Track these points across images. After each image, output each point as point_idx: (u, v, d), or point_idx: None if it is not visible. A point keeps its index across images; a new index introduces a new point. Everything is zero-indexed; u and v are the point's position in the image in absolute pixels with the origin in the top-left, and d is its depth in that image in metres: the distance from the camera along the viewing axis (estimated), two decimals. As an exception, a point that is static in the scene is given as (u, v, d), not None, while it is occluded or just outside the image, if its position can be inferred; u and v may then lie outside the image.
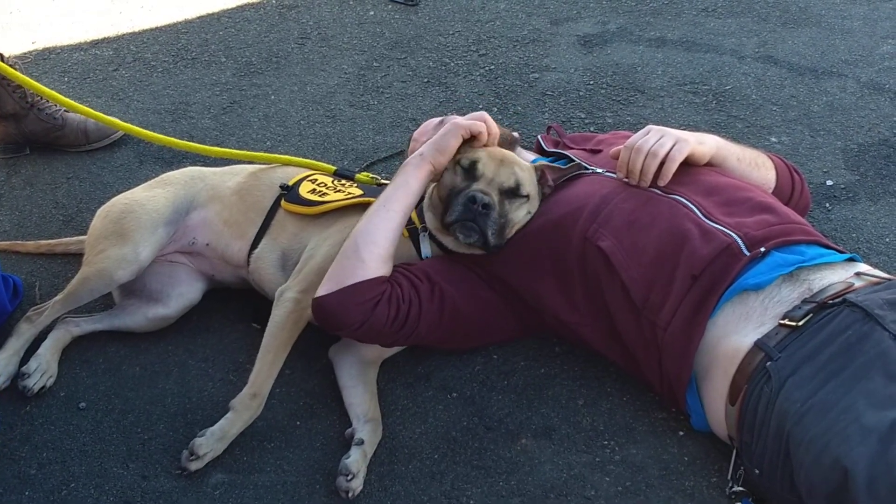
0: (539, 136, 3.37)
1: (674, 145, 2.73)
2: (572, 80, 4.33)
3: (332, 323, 2.71)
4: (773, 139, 3.78)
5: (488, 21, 4.96)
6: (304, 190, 3.13)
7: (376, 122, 4.25)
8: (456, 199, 2.76)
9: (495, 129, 2.92)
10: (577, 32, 4.78)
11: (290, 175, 3.24)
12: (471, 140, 2.87)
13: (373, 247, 2.70)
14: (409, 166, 2.82)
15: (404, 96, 4.43)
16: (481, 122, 2.87)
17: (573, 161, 3.03)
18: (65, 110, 4.14)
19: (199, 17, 5.39)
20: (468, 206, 2.71)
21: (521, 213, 2.84)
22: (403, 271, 2.80)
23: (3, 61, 3.49)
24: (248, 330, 3.18)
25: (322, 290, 2.68)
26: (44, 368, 2.98)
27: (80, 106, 3.33)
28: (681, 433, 2.66)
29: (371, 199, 2.96)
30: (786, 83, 4.16)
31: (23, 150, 4.16)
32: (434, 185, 2.94)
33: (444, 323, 2.81)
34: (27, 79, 3.31)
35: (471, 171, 2.80)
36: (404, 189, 2.79)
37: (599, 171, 2.92)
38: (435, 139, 2.85)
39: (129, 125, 3.49)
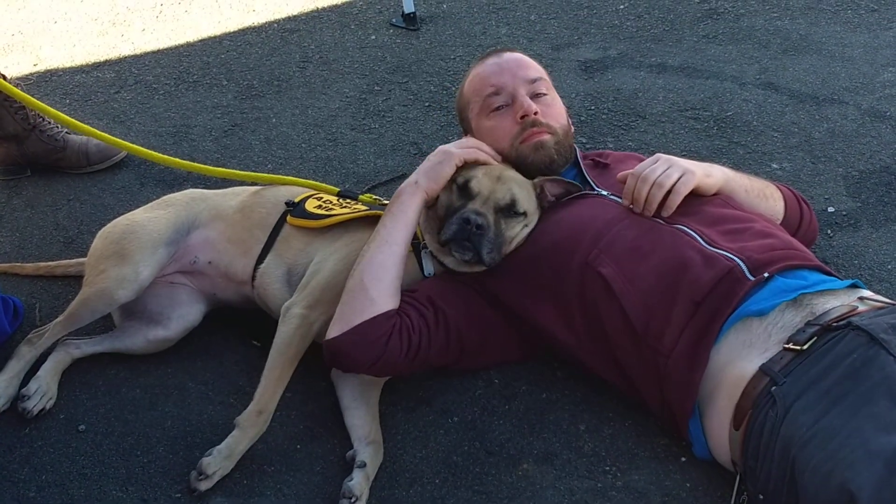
0: None
1: (680, 177, 2.73)
2: (573, 105, 4.34)
3: (346, 363, 2.73)
4: (775, 165, 3.78)
5: (489, 46, 4.96)
6: (310, 206, 3.14)
7: (378, 146, 4.26)
8: (451, 218, 2.78)
9: (490, 152, 2.94)
10: (577, 58, 4.79)
11: (295, 193, 3.26)
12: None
13: (378, 283, 2.71)
14: (404, 195, 2.83)
15: (406, 120, 4.44)
16: (474, 148, 2.90)
17: (582, 171, 3.06)
18: (66, 132, 4.15)
19: (200, 41, 5.40)
20: (462, 226, 2.73)
21: (517, 230, 2.86)
22: (409, 300, 2.79)
23: (6, 82, 3.48)
24: (248, 353, 3.17)
25: (333, 332, 2.68)
26: (44, 390, 2.97)
27: (85, 126, 3.32)
28: (683, 459, 2.65)
29: (378, 212, 2.97)
30: (787, 110, 4.16)
31: (24, 171, 4.17)
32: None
33: (451, 347, 2.81)
34: (32, 99, 3.31)
35: (466, 190, 2.82)
36: (402, 220, 2.80)
37: (604, 193, 2.91)
38: (428, 167, 2.87)
39: (134, 146, 3.48)
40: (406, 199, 2.82)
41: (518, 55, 3.17)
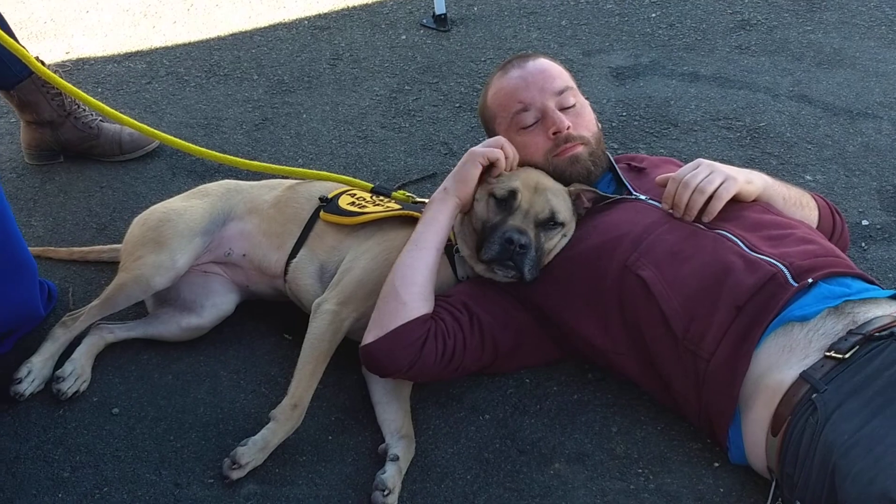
0: None
1: (722, 183, 2.72)
2: (605, 111, 4.35)
3: (382, 368, 2.73)
4: (808, 177, 3.79)
5: (520, 49, 4.98)
6: (344, 202, 3.15)
7: (408, 145, 4.27)
8: (492, 236, 2.76)
9: (513, 151, 2.90)
10: (609, 64, 4.80)
11: (329, 189, 3.27)
12: (489, 168, 2.86)
13: (412, 287, 2.72)
14: (436, 202, 2.84)
15: (436, 120, 4.45)
16: (498, 147, 2.86)
17: (617, 174, 3.05)
18: (101, 120, 4.16)
19: (231, 35, 5.42)
20: (505, 246, 2.71)
21: (556, 241, 2.85)
22: (444, 304, 2.80)
23: (45, 68, 3.50)
24: (279, 343, 3.19)
25: (368, 338, 2.69)
26: (78, 373, 2.99)
27: (123, 116, 3.34)
28: (716, 464, 2.65)
29: (411, 212, 2.99)
30: (820, 122, 4.17)
31: (57, 157, 4.18)
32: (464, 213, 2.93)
33: (485, 351, 2.82)
34: (70, 86, 3.32)
35: (505, 204, 2.80)
36: (433, 226, 2.80)
37: (643, 197, 2.91)
38: (455, 171, 2.87)
39: (169, 136, 3.50)
40: (437, 206, 2.83)
41: (541, 64, 3.09)
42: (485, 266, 2.83)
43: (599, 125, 3.15)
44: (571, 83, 3.07)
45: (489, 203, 2.83)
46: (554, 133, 2.96)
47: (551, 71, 3.06)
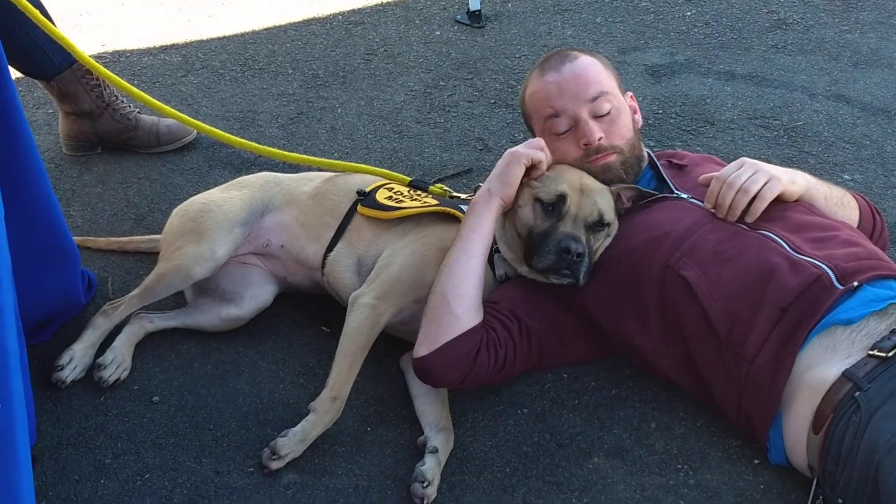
0: None
1: (766, 183, 2.70)
2: (641, 108, 4.29)
3: (436, 381, 2.75)
4: (846, 177, 3.78)
5: (555, 46, 4.97)
6: (381, 196, 3.15)
7: (443, 140, 4.28)
8: (545, 244, 2.72)
9: (549, 153, 2.87)
10: (644, 62, 4.80)
11: (367, 182, 3.27)
12: (531, 169, 2.84)
13: (462, 299, 2.71)
14: (479, 204, 2.81)
15: (471, 116, 4.45)
16: (540, 149, 2.84)
17: (659, 172, 3.04)
18: (138, 111, 4.19)
19: (265, 29, 5.44)
20: (562, 255, 2.68)
21: (602, 241, 2.84)
22: (493, 312, 2.79)
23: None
24: (317, 334, 3.20)
25: (422, 351, 2.69)
26: (119, 361, 3.01)
27: (166, 107, 3.35)
28: (756, 461, 2.65)
29: (448, 209, 2.99)
30: (858, 122, 4.16)
31: (95, 148, 4.21)
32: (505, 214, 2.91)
33: (532, 356, 2.83)
34: (110, 73, 3.33)
35: (553, 208, 2.78)
36: (479, 231, 2.78)
37: (684, 196, 2.90)
38: (498, 172, 2.83)
39: (210, 127, 3.51)
40: (481, 209, 2.80)
41: (578, 67, 3.01)
42: (536, 272, 2.81)
43: (638, 123, 3.14)
44: (608, 86, 3.00)
45: (535, 208, 2.80)
46: (585, 144, 2.94)
47: (587, 76, 2.99)
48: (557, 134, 2.98)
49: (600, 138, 2.93)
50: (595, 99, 2.95)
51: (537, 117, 3.07)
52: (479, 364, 2.70)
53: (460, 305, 2.70)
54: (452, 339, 2.67)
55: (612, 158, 2.97)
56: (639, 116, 3.16)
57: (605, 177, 2.93)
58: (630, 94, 3.17)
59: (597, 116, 2.96)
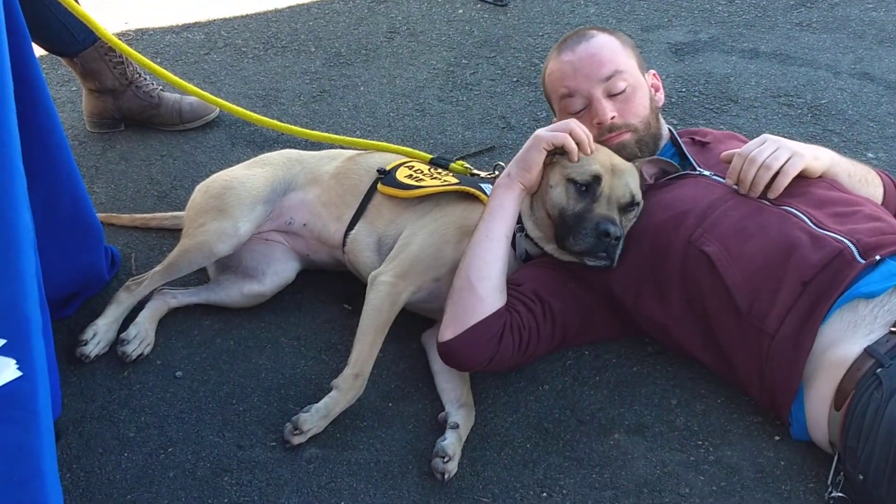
0: None
1: (788, 159, 2.70)
2: (664, 86, 4.30)
3: (462, 364, 2.75)
4: (870, 155, 3.76)
5: (577, 24, 4.96)
6: (401, 175, 3.15)
7: (465, 118, 4.27)
8: (581, 226, 2.71)
9: (585, 132, 2.80)
10: (668, 40, 4.77)
11: (388, 161, 3.27)
12: (556, 151, 2.81)
13: (486, 282, 2.71)
14: (500, 188, 2.81)
15: (493, 94, 4.44)
16: (566, 132, 2.78)
17: (681, 149, 3.03)
18: (161, 89, 4.20)
19: (288, 7, 5.43)
20: (600, 238, 2.68)
21: (632, 220, 2.84)
22: (517, 294, 2.79)
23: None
24: (339, 311, 3.21)
25: (447, 335, 2.70)
26: (142, 336, 3.03)
27: (188, 85, 3.36)
28: (777, 438, 2.65)
29: (467, 188, 2.99)
30: (883, 100, 4.13)
31: (118, 125, 4.22)
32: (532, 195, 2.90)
33: (555, 336, 2.83)
34: (133, 51, 3.35)
35: (587, 189, 2.76)
36: (502, 214, 2.78)
37: (707, 173, 2.89)
38: (519, 156, 2.83)
39: (231, 105, 3.53)
40: (502, 193, 2.80)
41: (593, 46, 3.03)
42: (571, 253, 2.80)
43: (659, 101, 3.14)
44: (623, 65, 3.01)
45: (567, 188, 2.79)
46: (598, 123, 2.95)
47: (601, 55, 3.01)
48: (572, 113, 3.01)
49: (613, 117, 2.96)
50: (609, 78, 2.97)
51: (554, 97, 3.11)
52: (504, 347, 2.70)
53: (484, 288, 2.70)
54: (477, 323, 2.67)
55: (627, 137, 2.99)
56: (661, 94, 3.17)
57: (619, 155, 2.92)
58: (653, 71, 3.17)
59: (612, 95, 2.98)
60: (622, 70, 2.99)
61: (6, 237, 1.86)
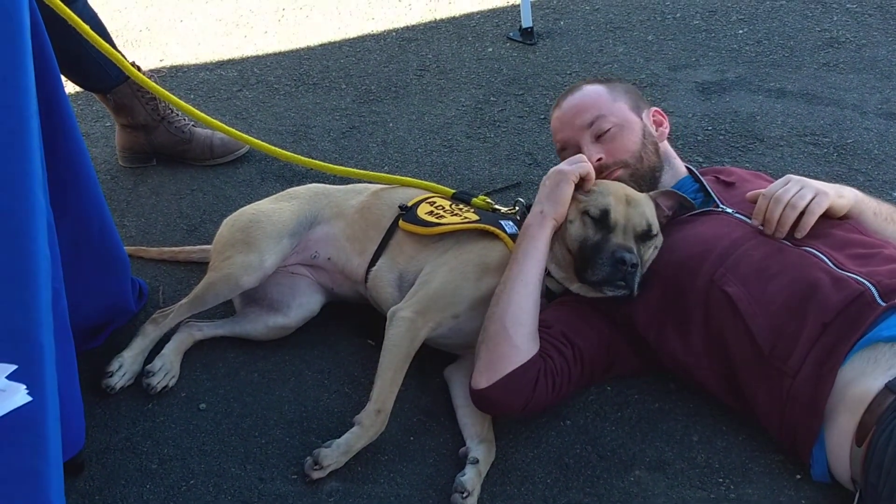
0: None
1: (813, 198, 2.71)
2: (690, 124, 4.34)
3: (496, 410, 2.78)
4: (896, 194, 3.77)
5: (606, 63, 5.00)
6: (422, 211, 3.17)
7: (493, 154, 4.30)
8: (598, 256, 2.74)
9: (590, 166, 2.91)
10: (695, 79, 4.79)
11: (411, 196, 3.30)
12: (580, 183, 2.87)
13: (521, 328, 2.73)
14: (533, 227, 2.83)
15: (521, 131, 4.47)
16: (586, 163, 2.87)
17: (705, 187, 3.05)
18: (193, 125, 4.26)
19: (320, 45, 5.50)
20: (616, 266, 2.70)
21: (651, 252, 2.85)
22: (548, 339, 2.80)
23: (141, 73, 3.58)
24: (363, 345, 3.23)
25: (482, 382, 2.71)
26: (167, 368, 3.06)
27: (214, 121, 3.40)
28: (798, 476, 2.63)
29: (486, 226, 3.01)
30: (910, 141, 4.14)
31: (150, 160, 4.28)
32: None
33: (584, 378, 2.85)
34: (162, 89, 3.40)
35: (603, 221, 2.80)
36: (534, 255, 2.79)
37: (729, 210, 2.91)
38: (548, 192, 2.85)
39: (259, 142, 3.56)
40: (535, 233, 2.82)
41: (576, 98, 3.20)
42: (590, 286, 2.83)
43: (663, 136, 3.21)
44: (606, 108, 3.13)
45: (584, 221, 2.82)
46: None
47: (584, 103, 3.16)
48: None
49: (600, 158, 3.04)
50: (592, 123, 3.10)
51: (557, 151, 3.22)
52: (539, 393, 2.72)
53: (519, 335, 2.72)
54: (513, 371, 2.69)
55: (619, 173, 3.06)
56: (664, 129, 3.23)
57: None
58: (655, 109, 3.26)
59: (599, 137, 3.09)
60: (604, 113, 3.11)
61: (21, 266, 1.90)
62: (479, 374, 2.73)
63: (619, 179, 3.02)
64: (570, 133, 3.15)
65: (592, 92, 3.20)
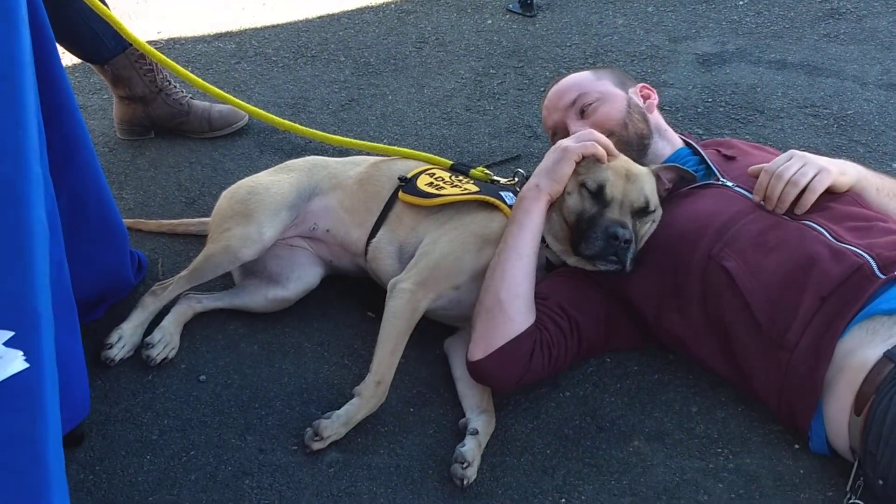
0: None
1: (815, 175, 2.70)
2: (690, 96, 4.33)
3: (492, 382, 2.78)
4: (896, 165, 3.76)
5: (606, 35, 4.98)
6: (422, 183, 3.17)
7: (492, 127, 4.29)
8: (592, 230, 2.74)
9: (606, 141, 2.88)
10: (695, 51, 4.78)
11: (410, 168, 3.29)
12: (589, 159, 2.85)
13: (516, 300, 2.73)
14: (527, 200, 2.82)
15: (521, 103, 4.46)
16: (592, 141, 2.84)
17: (705, 160, 3.04)
18: (191, 97, 4.24)
19: (318, 17, 5.47)
20: (609, 241, 2.70)
21: (647, 227, 2.85)
22: (545, 310, 2.80)
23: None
24: (363, 317, 3.23)
25: (477, 354, 2.72)
26: (167, 340, 3.05)
27: (213, 87, 3.39)
28: (796, 446, 2.65)
29: (486, 197, 3.01)
30: (910, 111, 4.13)
31: (148, 132, 4.26)
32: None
33: (581, 350, 2.85)
34: (162, 56, 3.38)
35: (599, 195, 2.79)
36: (529, 228, 2.79)
37: (730, 184, 2.90)
38: (547, 168, 2.85)
39: (258, 110, 3.56)
40: (529, 205, 2.82)
41: (559, 85, 3.31)
42: (584, 260, 2.83)
43: (646, 107, 3.22)
44: (586, 87, 3.21)
45: (582, 194, 2.82)
46: None
47: (564, 87, 3.26)
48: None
49: None
50: (574, 102, 3.17)
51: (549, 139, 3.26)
52: (534, 364, 2.72)
53: (514, 307, 2.72)
54: (508, 343, 2.69)
55: None
56: (652, 101, 3.27)
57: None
58: (642, 84, 3.31)
59: (583, 114, 3.15)
60: (585, 91, 3.18)
61: (18, 234, 1.90)
62: (474, 345, 2.73)
63: None
64: (557, 116, 3.21)
65: (576, 76, 3.30)
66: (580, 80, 3.25)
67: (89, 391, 2.69)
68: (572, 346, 2.81)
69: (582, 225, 2.79)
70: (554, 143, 3.05)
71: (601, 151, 2.82)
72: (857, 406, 2.37)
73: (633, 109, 3.15)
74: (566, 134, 3.07)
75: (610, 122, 3.09)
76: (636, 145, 3.11)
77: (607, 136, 2.96)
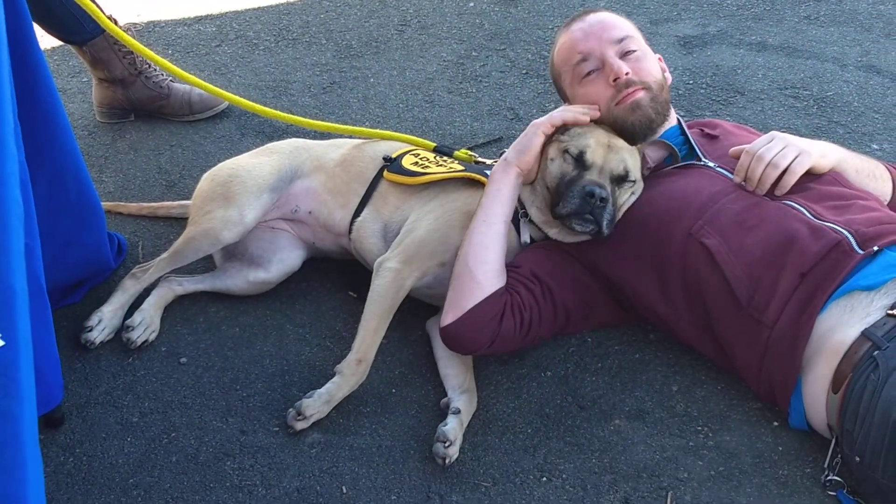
0: None
1: (796, 157, 2.70)
2: (672, 79, 4.32)
3: (463, 347, 2.78)
4: (875, 146, 3.76)
5: (587, 18, 4.97)
6: (407, 162, 3.17)
7: (474, 109, 4.29)
8: (570, 190, 2.75)
9: (580, 108, 2.92)
10: (676, 33, 4.79)
11: (394, 149, 3.29)
12: (560, 128, 2.89)
13: (484, 265, 2.74)
14: (497, 173, 2.86)
15: (503, 86, 4.46)
16: (561, 111, 2.90)
17: (689, 140, 3.03)
18: (171, 80, 4.23)
19: (300, 0, 5.45)
20: (585, 199, 2.70)
21: (626, 197, 2.85)
22: (515, 276, 2.81)
23: (117, 26, 3.55)
24: (345, 299, 3.23)
25: (447, 319, 2.73)
26: (147, 323, 3.05)
27: (191, 76, 3.38)
28: (775, 423, 2.67)
29: (472, 174, 3.02)
30: (888, 92, 4.14)
31: (128, 115, 4.25)
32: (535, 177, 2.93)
33: (557, 319, 2.85)
34: (139, 45, 3.37)
35: (580, 160, 2.80)
36: (498, 198, 2.82)
37: (711, 164, 2.90)
38: (517, 142, 2.89)
39: (237, 97, 3.55)
40: (499, 177, 2.84)
41: (602, 15, 3.09)
42: (561, 223, 2.83)
43: (667, 76, 3.14)
44: (633, 32, 3.05)
45: (565, 159, 2.83)
46: (614, 80, 2.93)
47: (610, 20, 3.06)
48: (587, 76, 3.00)
49: (628, 73, 2.93)
50: (621, 40, 2.99)
51: (566, 69, 3.08)
52: (505, 328, 2.72)
53: (482, 272, 2.73)
54: (476, 305, 2.70)
55: (641, 94, 2.96)
56: (668, 75, 3.16)
57: (633, 117, 2.94)
58: (658, 56, 3.17)
59: (624, 55, 2.99)
60: (632, 35, 3.03)
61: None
62: (445, 313, 2.75)
63: (638, 103, 2.94)
64: (596, 44, 2.99)
65: (617, 16, 3.12)
66: (626, 23, 3.09)
67: (65, 376, 2.69)
68: (546, 312, 2.81)
69: (561, 188, 2.80)
70: (581, 69, 3.02)
71: (577, 115, 2.86)
72: (834, 384, 2.39)
73: (664, 74, 3.12)
74: (599, 64, 2.98)
75: (650, 78, 3.00)
76: (663, 112, 3.05)
77: (644, 89, 2.95)
